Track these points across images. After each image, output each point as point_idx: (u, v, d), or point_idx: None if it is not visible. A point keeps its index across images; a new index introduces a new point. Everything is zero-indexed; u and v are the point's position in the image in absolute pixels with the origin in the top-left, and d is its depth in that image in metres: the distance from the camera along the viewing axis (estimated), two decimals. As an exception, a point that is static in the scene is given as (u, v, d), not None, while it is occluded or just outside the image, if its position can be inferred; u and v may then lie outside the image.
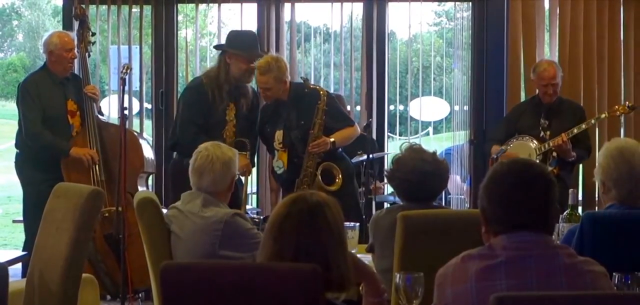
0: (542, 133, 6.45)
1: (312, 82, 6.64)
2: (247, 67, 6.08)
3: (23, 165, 6.48)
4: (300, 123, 6.01)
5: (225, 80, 6.07)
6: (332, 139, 5.98)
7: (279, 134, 6.08)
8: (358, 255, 4.22)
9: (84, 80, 6.52)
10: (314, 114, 5.97)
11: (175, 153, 6.44)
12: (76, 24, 6.79)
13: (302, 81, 6.17)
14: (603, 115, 6.62)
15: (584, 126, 6.34)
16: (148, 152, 6.63)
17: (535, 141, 6.39)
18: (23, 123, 6.40)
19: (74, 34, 6.72)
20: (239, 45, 6.12)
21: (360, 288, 3.13)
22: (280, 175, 6.17)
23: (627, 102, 6.56)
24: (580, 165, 6.81)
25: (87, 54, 6.59)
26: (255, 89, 6.42)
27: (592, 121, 6.46)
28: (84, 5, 6.89)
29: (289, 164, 6.07)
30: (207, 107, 6.05)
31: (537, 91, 6.66)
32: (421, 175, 4.11)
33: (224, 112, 6.10)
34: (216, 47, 6.60)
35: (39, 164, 6.35)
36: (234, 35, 6.30)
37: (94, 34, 6.76)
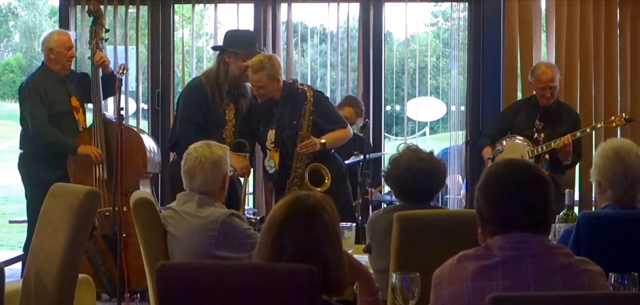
0: (535, 134, 6.45)
1: (308, 84, 6.63)
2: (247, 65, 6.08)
3: (29, 165, 6.50)
4: (292, 123, 6.00)
5: (225, 80, 6.07)
6: (322, 140, 5.98)
7: (271, 134, 6.07)
8: (354, 255, 4.24)
9: (93, 78, 6.53)
10: (301, 115, 5.97)
11: (173, 154, 6.44)
12: (88, 20, 6.78)
13: (291, 82, 6.17)
14: (599, 125, 6.62)
15: (578, 134, 6.33)
16: (152, 153, 6.62)
17: (528, 142, 6.39)
18: (30, 120, 6.40)
19: (73, 33, 6.73)
20: (238, 44, 6.12)
21: (354, 287, 3.13)
22: (272, 174, 6.16)
23: (623, 114, 6.55)
24: (578, 166, 6.82)
25: (99, 50, 6.58)
26: None
27: (587, 130, 6.45)
28: (80, 6, 6.89)
29: (281, 164, 6.06)
30: (206, 106, 6.05)
31: (534, 92, 6.67)
32: (417, 173, 4.12)
33: (224, 112, 6.10)
34: (214, 48, 6.59)
35: (44, 163, 6.36)
36: (232, 35, 6.30)
37: (107, 31, 6.76)
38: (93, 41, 6.59)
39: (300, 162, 5.98)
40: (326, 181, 6.01)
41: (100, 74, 6.55)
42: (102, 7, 7.55)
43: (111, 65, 6.76)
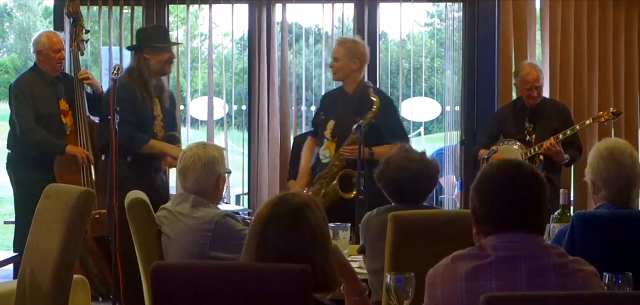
0: (527, 136, 6.44)
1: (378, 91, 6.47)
2: (168, 57, 6.14)
3: (15, 165, 6.47)
4: (351, 122, 5.83)
5: (149, 76, 6.11)
6: (371, 150, 5.78)
7: (330, 124, 6.06)
8: (349, 256, 4.24)
9: (75, 79, 6.52)
10: (362, 119, 5.83)
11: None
12: (69, 22, 6.77)
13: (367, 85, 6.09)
14: (588, 122, 6.57)
15: (569, 132, 6.32)
16: None
17: (521, 145, 6.38)
18: (17, 121, 6.38)
19: (63, 34, 6.71)
20: (155, 39, 6.16)
21: (341, 288, 3.12)
22: (325, 164, 6.05)
23: (611, 108, 6.55)
24: (572, 166, 6.81)
25: (79, 52, 6.57)
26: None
27: (577, 127, 6.43)
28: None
29: None
30: (136, 104, 6.06)
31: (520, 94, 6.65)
32: (408, 174, 4.12)
33: (152, 108, 6.15)
34: (129, 48, 6.58)
35: (31, 164, 6.34)
36: (146, 33, 6.36)
37: (87, 32, 6.75)
38: (74, 44, 6.57)
39: (339, 161, 5.92)
40: (355, 191, 5.87)
41: (89, 89, 6.57)
42: (96, 7, 7.57)
43: (106, 66, 6.75)
